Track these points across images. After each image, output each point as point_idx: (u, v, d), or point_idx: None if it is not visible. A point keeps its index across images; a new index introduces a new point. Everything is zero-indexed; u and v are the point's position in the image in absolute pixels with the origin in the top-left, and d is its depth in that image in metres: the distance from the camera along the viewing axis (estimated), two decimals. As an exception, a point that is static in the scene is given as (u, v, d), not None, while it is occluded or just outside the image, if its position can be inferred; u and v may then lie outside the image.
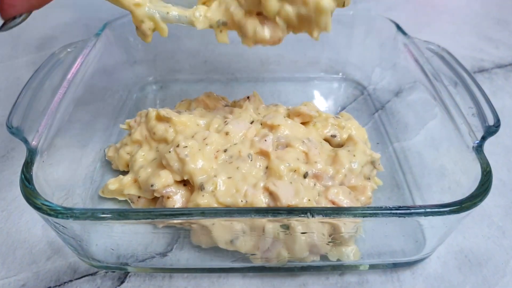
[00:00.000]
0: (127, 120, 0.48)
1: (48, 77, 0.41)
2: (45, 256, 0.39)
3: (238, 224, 0.33)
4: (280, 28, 0.37)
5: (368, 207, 0.35)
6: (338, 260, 0.37)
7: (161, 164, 0.40)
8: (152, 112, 0.44)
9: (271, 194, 0.36)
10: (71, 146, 0.43)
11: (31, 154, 0.34)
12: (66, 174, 0.41)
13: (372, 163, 0.42)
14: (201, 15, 0.38)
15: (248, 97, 0.49)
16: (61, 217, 0.30)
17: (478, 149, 0.35)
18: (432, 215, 0.30)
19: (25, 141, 0.35)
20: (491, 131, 0.36)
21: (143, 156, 0.43)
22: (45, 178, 0.35)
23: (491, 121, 0.36)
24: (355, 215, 0.31)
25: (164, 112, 0.43)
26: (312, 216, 0.30)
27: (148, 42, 0.39)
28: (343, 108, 0.58)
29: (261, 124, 0.44)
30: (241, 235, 0.35)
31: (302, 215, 0.30)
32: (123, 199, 0.43)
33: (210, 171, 0.38)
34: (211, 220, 0.33)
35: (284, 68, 0.63)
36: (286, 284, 0.38)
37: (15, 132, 0.35)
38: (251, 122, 0.44)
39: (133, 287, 0.37)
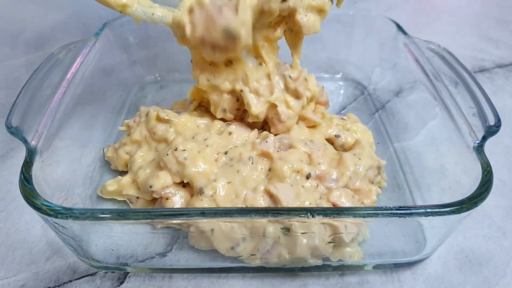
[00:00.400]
0: (126, 121, 0.48)
1: (47, 77, 0.41)
2: (45, 256, 0.39)
3: (239, 229, 0.33)
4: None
5: (368, 208, 0.35)
6: (339, 260, 0.37)
7: (160, 164, 0.40)
8: (153, 112, 0.44)
9: (272, 197, 0.36)
10: (70, 146, 0.43)
11: (31, 154, 0.34)
12: (66, 174, 0.41)
13: (378, 168, 0.42)
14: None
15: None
16: (60, 217, 0.30)
17: (479, 149, 0.35)
18: (433, 215, 0.30)
19: (25, 141, 0.35)
20: (491, 131, 0.36)
21: (142, 156, 0.43)
22: (45, 178, 0.35)
23: (491, 121, 0.36)
24: (355, 216, 0.31)
25: (164, 114, 0.43)
26: (312, 216, 0.30)
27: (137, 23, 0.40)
28: (343, 108, 0.58)
29: None
30: (241, 242, 0.35)
31: (302, 215, 0.30)
32: (122, 199, 0.43)
33: (210, 175, 0.38)
34: (210, 225, 0.33)
35: (284, 68, 0.63)
36: (286, 284, 0.38)
37: (15, 132, 0.35)
38: None
39: (132, 288, 0.37)
